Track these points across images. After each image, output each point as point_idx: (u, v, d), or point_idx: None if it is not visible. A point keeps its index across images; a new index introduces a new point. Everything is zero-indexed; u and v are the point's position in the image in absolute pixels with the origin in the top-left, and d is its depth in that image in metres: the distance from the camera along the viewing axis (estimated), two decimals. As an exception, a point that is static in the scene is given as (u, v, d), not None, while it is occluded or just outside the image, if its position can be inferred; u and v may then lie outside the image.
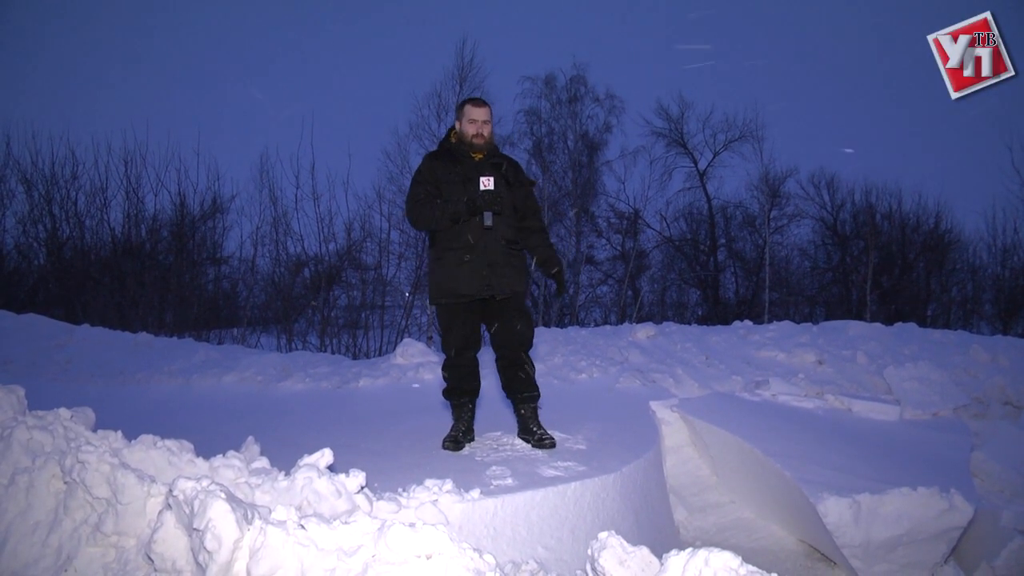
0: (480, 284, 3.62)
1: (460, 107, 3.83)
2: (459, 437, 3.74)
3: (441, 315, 3.77)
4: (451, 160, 3.75)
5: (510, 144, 18.57)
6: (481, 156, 3.77)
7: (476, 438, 3.86)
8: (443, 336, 3.79)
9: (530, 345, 3.78)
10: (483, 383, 3.91)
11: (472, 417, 3.85)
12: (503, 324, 3.70)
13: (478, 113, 3.74)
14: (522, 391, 3.78)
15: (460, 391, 3.81)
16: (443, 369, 3.85)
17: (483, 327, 3.86)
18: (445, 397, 3.87)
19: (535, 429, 3.77)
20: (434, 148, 3.95)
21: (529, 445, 3.74)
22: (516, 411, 3.85)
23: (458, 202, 3.61)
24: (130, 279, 14.61)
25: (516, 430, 3.89)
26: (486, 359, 4.23)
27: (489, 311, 3.74)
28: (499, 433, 3.96)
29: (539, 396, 3.85)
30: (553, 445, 3.71)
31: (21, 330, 8.66)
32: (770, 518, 4.35)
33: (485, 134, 3.75)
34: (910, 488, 3.55)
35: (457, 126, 3.82)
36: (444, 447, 3.72)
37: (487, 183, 3.63)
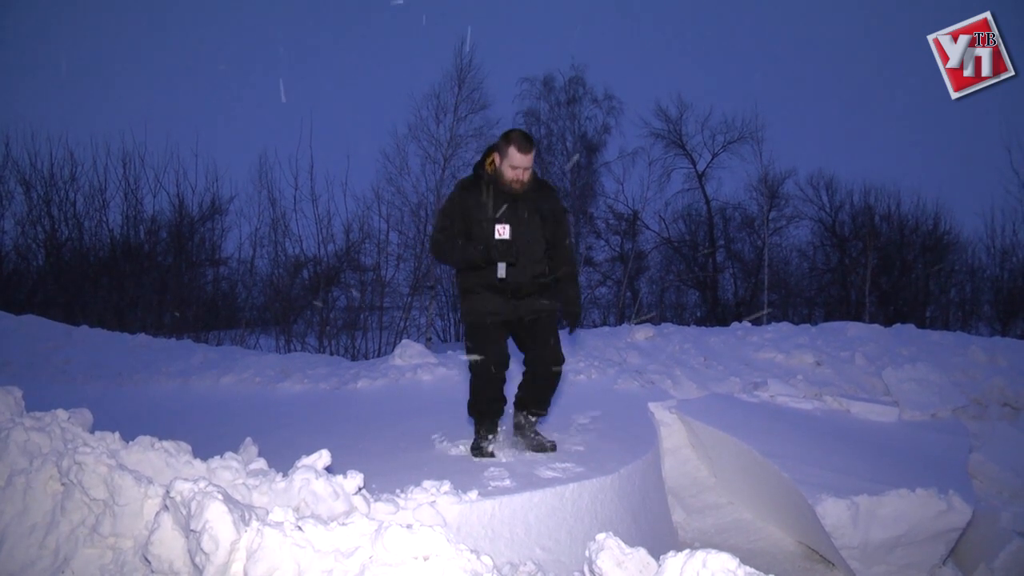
0: (508, 309, 3.59)
1: (505, 142, 3.51)
2: (489, 437, 3.68)
3: (472, 334, 3.65)
4: (484, 193, 3.57)
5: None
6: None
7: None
8: (473, 355, 3.65)
9: (563, 360, 3.73)
10: None
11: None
12: (537, 343, 3.66)
13: (521, 160, 3.47)
14: (540, 408, 3.77)
15: (490, 412, 3.71)
16: (472, 389, 3.73)
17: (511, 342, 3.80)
18: (470, 414, 3.80)
19: (532, 435, 3.75)
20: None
21: (525, 447, 3.73)
22: (518, 418, 3.80)
23: (475, 249, 3.49)
24: (129, 280, 14.61)
25: (512, 431, 3.87)
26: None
27: (520, 331, 3.69)
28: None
29: (546, 415, 3.87)
30: (554, 448, 3.69)
31: (19, 331, 8.66)
32: (768, 519, 4.35)
33: (524, 179, 3.53)
34: (908, 489, 3.56)
35: (497, 160, 3.56)
36: (485, 454, 3.60)
37: (502, 232, 3.50)
